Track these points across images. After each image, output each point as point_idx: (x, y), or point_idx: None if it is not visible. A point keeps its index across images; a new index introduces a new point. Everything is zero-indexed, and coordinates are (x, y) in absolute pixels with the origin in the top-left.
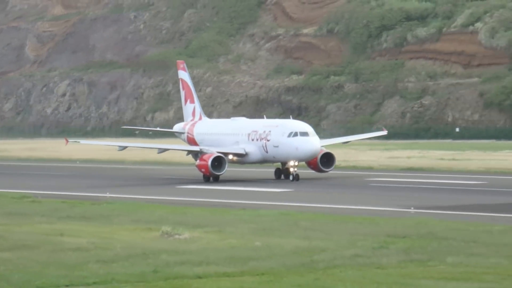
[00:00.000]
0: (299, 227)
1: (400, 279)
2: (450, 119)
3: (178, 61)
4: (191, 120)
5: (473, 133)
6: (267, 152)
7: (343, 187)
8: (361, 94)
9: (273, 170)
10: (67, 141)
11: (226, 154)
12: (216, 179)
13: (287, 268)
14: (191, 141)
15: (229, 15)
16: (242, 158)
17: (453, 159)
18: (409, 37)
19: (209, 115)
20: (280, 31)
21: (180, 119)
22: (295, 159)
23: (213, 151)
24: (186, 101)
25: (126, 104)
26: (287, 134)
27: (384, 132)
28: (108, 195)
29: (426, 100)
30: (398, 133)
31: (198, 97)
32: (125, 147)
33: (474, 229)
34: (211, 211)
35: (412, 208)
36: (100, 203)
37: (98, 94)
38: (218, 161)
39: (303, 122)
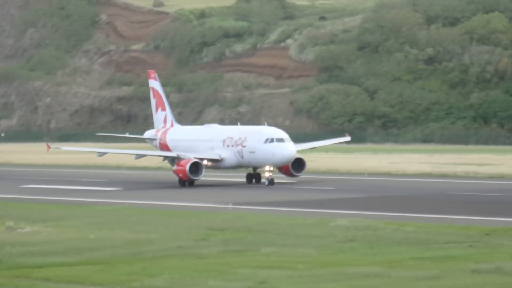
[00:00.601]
0: (129, 222)
1: (219, 268)
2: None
3: (149, 70)
4: (163, 127)
5: None
6: (242, 157)
7: (169, 186)
8: (184, 103)
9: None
10: (49, 147)
11: (201, 159)
12: (191, 184)
13: (118, 258)
14: (164, 147)
15: (66, 33)
16: (217, 164)
17: None
18: (227, 52)
19: (48, 122)
20: (112, 47)
21: (21, 125)
22: (271, 164)
23: (190, 157)
24: (157, 109)
25: None
26: (264, 140)
27: (348, 138)
28: None
29: (243, 108)
30: None
31: (38, 106)
32: (104, 153)
33: (287, 222)
34: (50, 208)
35: (230, 204)
36: None
37: None
38: (196, 167)
39: (278, 129)
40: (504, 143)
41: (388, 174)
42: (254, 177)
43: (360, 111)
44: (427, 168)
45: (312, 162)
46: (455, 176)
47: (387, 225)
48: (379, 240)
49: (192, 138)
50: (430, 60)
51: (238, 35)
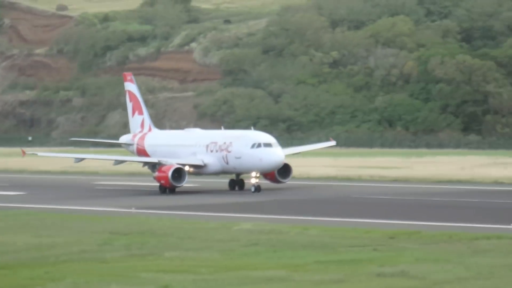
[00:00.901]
0: (31, 226)
1: (122, 272)
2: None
3: (124, 73)
4: (140, 132)
5: None
6: (227, 163)
7: (69, 190)
8: (87, 107)
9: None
10: (24, 153)
11: (183, 165)
12: (172, 191)
13: (20, 262)
14: (142, 152)
15: None
16: (200, 170)
17: None
18: (130, 56)
19: None
20: (15, 51)
21: None
22: (258, 170)
23: (172, 163)
24: (134, 113)
25: None
26: (250, 145)
27: (333, 143)
28: None
29: None
30: None
31: None
32: (82, 159)
33: (190, 226)
34: None
35: (134, 208)
36: None
37: None
38: (178, 173)
39: (266, 133)
40: (409, 146)
41: (292, 177)
42: (237, 183)
43: (265, 115)
44: (331, 172)
45: None
46: (359, 179)
47: (291, 228)
48: (283, 244)
49: (172, 143)
50: (335, 64)
51: (142, 39)
